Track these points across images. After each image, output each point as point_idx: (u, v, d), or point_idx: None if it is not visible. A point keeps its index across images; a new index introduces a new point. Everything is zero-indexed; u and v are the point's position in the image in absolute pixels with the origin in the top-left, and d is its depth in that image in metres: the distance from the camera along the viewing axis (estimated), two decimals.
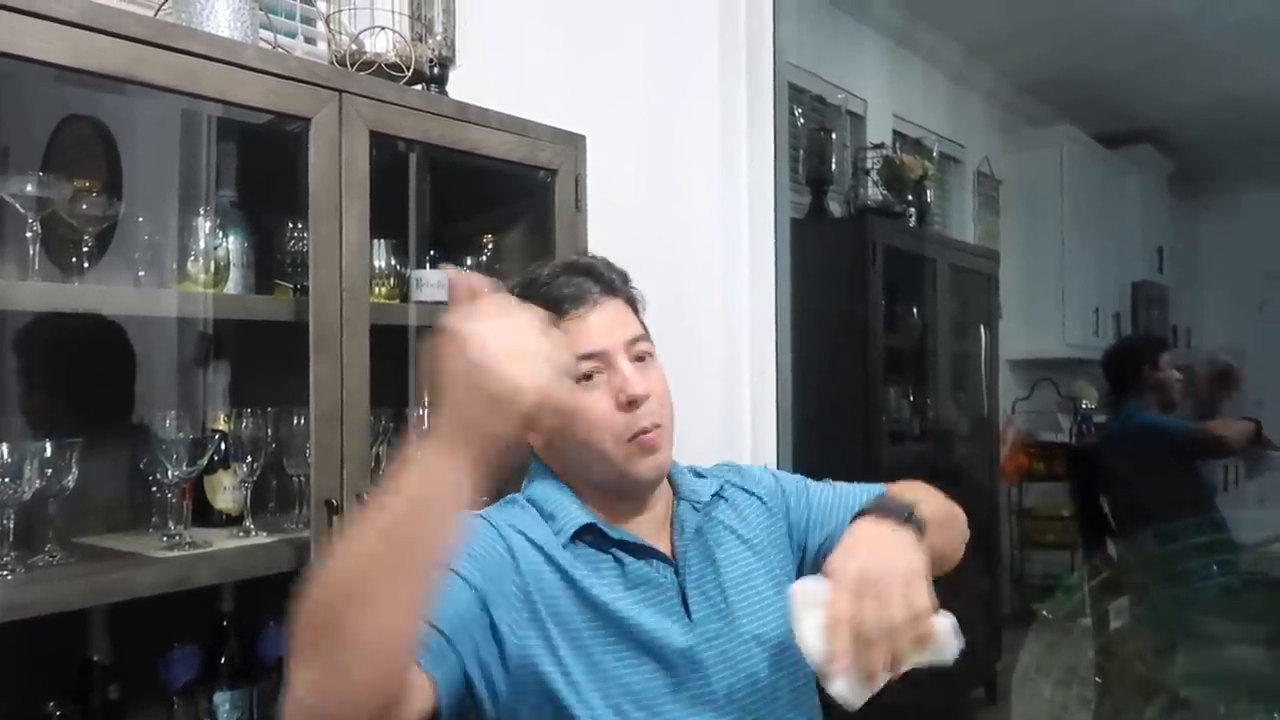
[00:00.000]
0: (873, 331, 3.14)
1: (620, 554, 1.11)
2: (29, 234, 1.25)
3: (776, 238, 1.99)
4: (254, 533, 1.45)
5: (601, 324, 1.11)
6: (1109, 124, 5.51)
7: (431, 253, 1.74)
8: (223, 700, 1.44)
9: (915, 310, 3.49)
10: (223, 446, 1.48)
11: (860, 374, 3.11)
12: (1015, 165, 5.25)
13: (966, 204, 4.89)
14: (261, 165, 1.55)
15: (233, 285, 1.48)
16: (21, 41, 1.11)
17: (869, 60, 4.04)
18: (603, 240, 1.77)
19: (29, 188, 1.25)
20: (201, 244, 1.42)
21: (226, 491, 1.49)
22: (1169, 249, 6.40)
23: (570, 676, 1.03)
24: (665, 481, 1.18)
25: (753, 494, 1.24)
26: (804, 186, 3.29)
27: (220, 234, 1.46)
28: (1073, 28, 4.24)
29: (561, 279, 1.14)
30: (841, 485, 1.27)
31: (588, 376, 1.09)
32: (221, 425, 1.50)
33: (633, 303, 1.18)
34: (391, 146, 1.57)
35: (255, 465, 1.46)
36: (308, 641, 0.78)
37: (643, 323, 1.18)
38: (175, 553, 1.33)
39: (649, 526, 1.15)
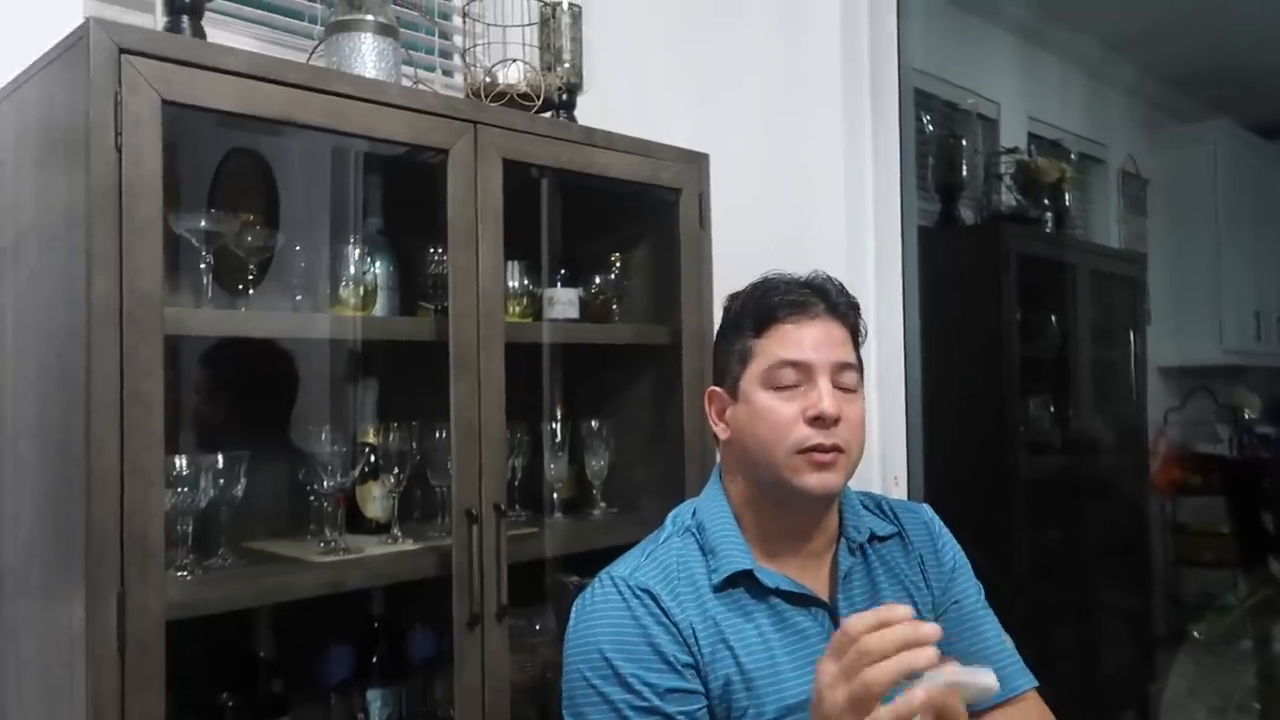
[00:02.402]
0: (1007, 340, 3.05)
1: (776, 600, 1.11)
2: (202, 265, 1.38)
3: (904, 248, 1.97)
4: (401, 540, 1.54)
5: (814, 338, 1.12)
6: (1268, 115, 5.15)
7: (562, 272, 1.81)
8: (374, 697, 1.53)
9: (1054, 318, 3.37)
10: (372, 459, 1.57)
11: (995, 384, 3.03)
12: (1163, 163, 4.97)
13: (1110, 206, 4.68)
14: (404, 194, 1.64)
15: (380, 308, 1.57)
16: (197, 93, 1.22)
17: (1000, 62, 3.92)
18: (728, 255, 1.80)
19: (202, 223, 1.38)
20: (352, 270, 1.52)
21: (376, 501, 1.59)
22: None
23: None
24: (834, 517, 1.17)
25: (928, 557, 1.22)
26: (934, 195, 3.23)
27: (368, 260, 1.56)
28: (1221, 18, 4.01)
29: (792, 288, 1.15)
30: (987, 610, 1.23)
31: (787, 384, 1.10)
32: (371, 439, 1.59)
33: (855, 334, 1.17)
34: (524, 171, 1.64)
35: (402, 476, 1.55)
36: None
37: (859, 359, 1.17)
38: (331, 558, 1.43)
39: (806, 564, 1.14)
